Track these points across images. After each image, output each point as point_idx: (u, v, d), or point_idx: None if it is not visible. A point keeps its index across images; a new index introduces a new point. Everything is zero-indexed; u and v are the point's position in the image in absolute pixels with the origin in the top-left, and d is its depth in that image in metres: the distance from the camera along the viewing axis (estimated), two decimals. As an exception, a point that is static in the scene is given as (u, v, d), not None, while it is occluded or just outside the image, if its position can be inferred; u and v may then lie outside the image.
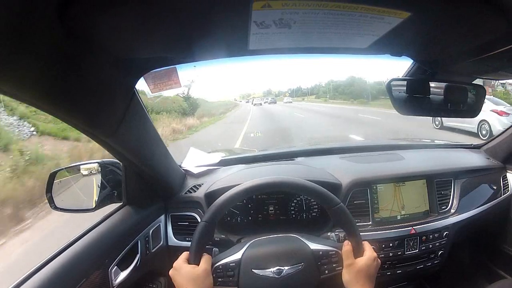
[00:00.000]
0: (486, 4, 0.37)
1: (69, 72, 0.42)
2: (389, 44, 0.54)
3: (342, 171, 1.06)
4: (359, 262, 0.70)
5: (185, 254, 0.71)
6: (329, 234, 0.82)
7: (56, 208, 0.84)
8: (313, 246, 0.74)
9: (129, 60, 0.52)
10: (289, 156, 1.25)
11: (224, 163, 1.18)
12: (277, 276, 0.70)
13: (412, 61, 0.74)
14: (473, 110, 0.80)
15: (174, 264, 0.70)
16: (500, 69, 0.78)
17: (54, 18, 0.32)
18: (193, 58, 0.56)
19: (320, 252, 0.73)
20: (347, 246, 0.72)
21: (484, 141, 1.42)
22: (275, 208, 1.03)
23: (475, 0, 0.37)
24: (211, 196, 0.93)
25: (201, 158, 1.17)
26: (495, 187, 1.22)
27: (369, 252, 0.73)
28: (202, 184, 1.03)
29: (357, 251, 0.72)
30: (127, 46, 0.46)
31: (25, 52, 0.34)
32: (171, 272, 0.70)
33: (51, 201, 0.83)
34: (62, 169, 0.89)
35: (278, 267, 0.71)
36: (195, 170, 1.09)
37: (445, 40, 0.55)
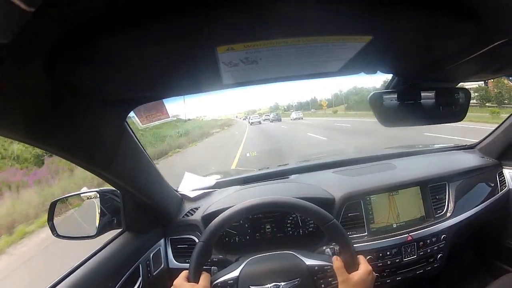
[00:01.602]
0: (451, 12, 0.37)
1: (59, 116, 0.45)
2: (360, 64, 0.55)
3: (335, 185, 1.07)
4: (354, 277, 0.71)
5: (184, 273, 0.73)
6: (324, 248, 0.84)
7: (58, 236, 0.86)
8: (309, 261, 0.75)
9: (116, 100, 0.54)
10: (283, 174, 1.26)
11: (219, 185, 1.20)
12: None
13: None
14: (460, 113, 0.81)
15: (174, 283, 0.72)
16: (481, 70, 0.78)
17: (41, 70, 0.35)
18: (175, 94, 0.58)
19: (316, 267, 0.74)
20: (337, 262, 0.72)
21: (477, 141, 1.42)
22: (271, 226, 1.04)
23: (437, 11, 0.36)
24: (208, 219, 0.95)
25: (197, 182, 1.19)
26: (492, 185, 1.22)
27: (364, 266, 0.73)
28: (199, 207, 1.05)
29: (352, 265, 0.73)
30: (113, 90, 0.49)
31: (12, 97, 0.36)
32: None
33: (53, 229, 0.85)
34: (62, 198, 0.92)
35: (275, 283, 0.72)
36: (191, 194, 1.11)
37: (416, 52, 0.54)
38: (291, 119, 18.04)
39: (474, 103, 11.33)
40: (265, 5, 0.30)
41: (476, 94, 11.36)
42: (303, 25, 0.35)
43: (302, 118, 17.84)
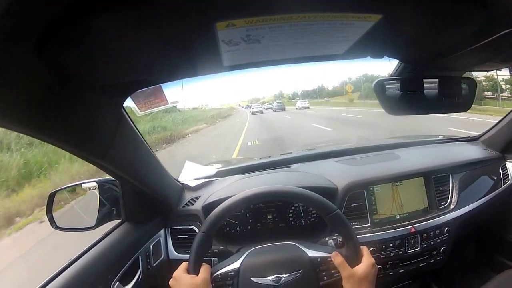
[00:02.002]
0: None
1: (53, 102, 0.43)
2: (366, 47, 0.54)
3: (338, 175, 1.06)
4: (358, 271, 0.70)
5: (184, 264, 0.72)
6: (327, 239, 0.82)
7: (57, 227, 0.85)
8: (311, 253, 0.74)
9: (112, 85, 0.53)
10: (285, 163, 1.25)
11: (220, 174, 1.18)
12: (275, 284, 0.70)
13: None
14: (466, 103, 0.80)
15: (174, 274, 0.71)
16: (488, 60, 0.77)
17: (32, 53, 0.33)
18: (172, 78, 0.56)
19: (318, 259, 0.73)
20: (338, 257, 0.71)
21: (481, 133, 1.41)
22: (273, 216, 1.03)
23: None
24: (208, 208, 0.94)
25: (198, 171, 1.17)
26: (495, 178, 1.21)
27: (367, 258, 0.72)
28: (200, 196, 1.03)
29: (355, 257, 0.72)
30: (108, 73, 0.47)
31: (7, 86, 0.35)
32: (171, 282, 0.71)
33: (52, 221, 0.84)
34: (61, 189, 0.91)
35: (276, 275, 0.71)
36: (192, 184, 1.10)
37: (425, 38, 0.54)
38: (297, 108, 16.34)
39: (507, 96, 10.25)
40: None
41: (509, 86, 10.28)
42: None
43: (308, 108, 16.08)
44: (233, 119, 14.76)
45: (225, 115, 15.79)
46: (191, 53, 0.44)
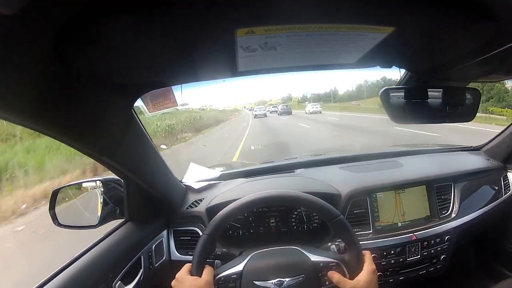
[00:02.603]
0: (472, 11, 0.37)
1: (66, 99, 0.44)
2: (377, 58, 0.55)
3: (341, 181, 1.06)
4: (360, 282, 0.70)
5: (187, 266, 0.72)
6: (329, 244, 0.83)
7: (59, 225, 0.85)
8: (314, 258, 0.74)
9: (125, 85, 0.53)
10: (289, 168, 1.25)
11: (224, 177, 1.19)
12: None
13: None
14: (470, 113, 0.80)
15: (177, 276, 0.71)
16: (492, 71, 0.78)
17: (49, 50, 0.34)
18: (186, 80, 0.57)
19: (321, 264, 0.73)
20: (334, 275, 0.71)
21: (483, 143, 1.42)
22: (276, 220, 1.03)
23: (460, 9, 0.36)
24: (212, 211, 0.94)
25: (202, 173, 1.18)
26: (496, 188, 1.22)
27: (368, 265, 0.72)
28: (203, 199, 1.04)
29: (357, 263, 0.72)
30: (122, 74, 0.48)
31: (22, 82, 0.35)
32: (173, 283, 0.71)
33: (54, 218, 0.84)
34: (64, 186, 0.91)
35: (279, 279, 0.71)
36: (196, 185, 1.10)
37: (433, 50, 0.55)
38: (307, 113, 14.65)
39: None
40: None
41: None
42: (328, 11, 0.34)
43: (320, 112, 14.48)
44: (228, 127, 12.53)
45: (220, 120, 14.10)
46: (207, 57, 0.45)
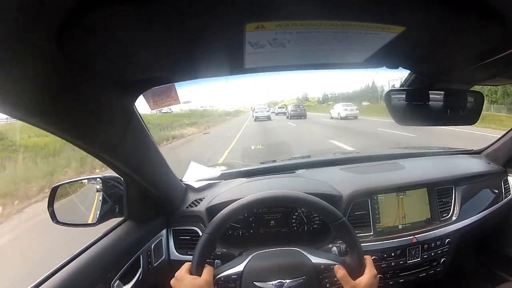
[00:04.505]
0: (482, 14, 0.37)
1: (67, 95, 0.43)
2: (384, 58, 0.54)
3: (343, 182, 1.06)
4: (361, 284, 0.69)
5: (187, 265, 0.71)
6: (330, 246, 0.82)
7: (58, 222, 0.84)
8: (315, 259, 0.74)
9: (128, 81, 0.52)
10: (290, 168, 1.25)
11: (224, 176, 1.18)
12: None
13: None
14: (472, 116, 0.80)
15: (176, 274, 0.70)
16: (497, 75, 0.78)
17: (51, 42, 0.33)
18: (190, 77, 0.56)
19: (322, 266, 0.73)
20: (340, 271, 0.70)
21: (484, 147, 1.42)
22: (276, 221, 1.03)
23: (470, 11, 0.36)
24: (212, 210, 0.93)
25: (202, 172, 1.17)
26: (496, 192, 1.22)
27: (370, 269, 0.72)
28: (203, 198, 1.03)
29: (358, 266, 0.72)
30: (124, 70, 0.47)
31: (24, 76, 0.35)
32: (172, 282, 0.70)
33: (53, 216, 0.83)
34: (63, 183, 0.90)
35: (279, 280, 0.71)
36: (196, 185, 1.09)
37: (441, 51, 0.55)
38: (333, 117, 10.61)
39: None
40: None
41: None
42: (340, 8, 0.33)
43: (356, 117, 10.18)
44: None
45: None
46: (213, 52, 0.44)
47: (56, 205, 0.85)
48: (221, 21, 0.34)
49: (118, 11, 0.30)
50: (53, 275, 0.64)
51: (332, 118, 11.21)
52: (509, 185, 1.26)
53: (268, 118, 11.50)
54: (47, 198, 0.85)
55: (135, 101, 0.61)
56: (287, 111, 12.01)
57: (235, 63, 0.48)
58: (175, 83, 0.63)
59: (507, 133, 1.32)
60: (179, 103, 0.67)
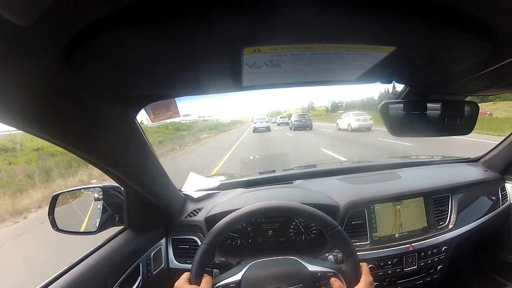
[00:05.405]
0: (471, 30, 0.38)
1: (72, 108, 0.45)
2: (377, 74, 0.56)
3: (340, 192, 1.07)
4: None
5: (186, 275, 0.72)
6: (327, 255, 0.83)
7: (58, 230, 0.85)
8: (312, 267, 0.75)
9: (130, 96, 0.54)
10: (288, 179, 1.26)
11: (223, 187, 1.19)
12: None
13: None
14: (467, 126, 0.81)
15: (176, 284, 0.71)
16: (490, 86, 0.79)
17: (58, 60, 0.34)
18: (190, 93, 0.58)
19: (319, 274, 0.74)
20: (336, 283, 0.71)
21: (481, 154, 1.43)
22: (274, 230, 1.04)
23: (459, 27, 0.37)
24: (211, 220, 0.94)
25: (201, 183, 1.18)
26: (494, 198, 1.23)
27: (366, 277, 0.73)
28: (202, 208, 1.04)
29: (354, 274, 0.73)
30: (128, 86, 0.48)
31: (27, 88, 0.36)
32: None
33: (53, 223, 0.84)
34: (64, 192, 0.91)
35: None
36: (195, 195, 1.10)
37: (433, 66, 0.56)
38: (342, 129, 9.45)
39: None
40: (298, 9, 0.29)
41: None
42: (331, 31, 0.35)
43: (370, 128, 8.97)
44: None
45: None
46: (213, 72, 0.46)
47: (57, 213, 0.86)
48: (221, 45, 0.36)
49: (125, 34, 0.32)
50: (53, 282, 0.65)
51: (340, 129, 10.01)
52: (506, 192, 1.27)
53: (267, 129, 10.83)
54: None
55: (137, 115, 0.63)
56: (290, 122, 11.00)
57: (234, 82, 0.49)
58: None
59: (504, 140, 1.33)
60: (179, 116, 0.68)
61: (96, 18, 0.29)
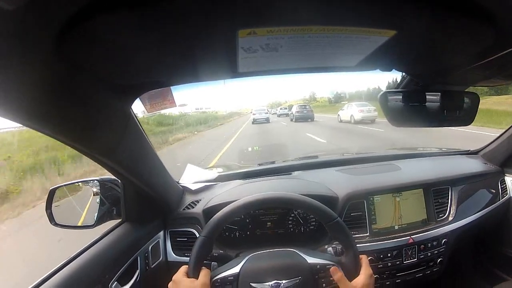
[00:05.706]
0: (473, 16, 0.37)
1: (65, 98, 0.44)
2: (377, 61, 0.55)
3: (339, 184, 1.06)
4: (357, 285, 0.70)
5: (184, 268, 0.72)
6: (326, 247, 0.83)
7: (56, 224, 0.84)
8: (311, 260, 0.74)
9: (124, 85, 0.53)
10: (286, 170, 1.25)
11: (221, 178, 1.18)
12: None
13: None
14: (468, 117, 0.81)
15: (174, 277, 0.71)
16: (492, 76, 0.78)
17: (50, 48, 0.33)
18: (185, 81, 0.57)
19: (318, 266, 0.73)
20: (337, 273, 0.71)
21: (481, 147, 1.43)
22: (273, 222, 1.03)
23: (461, 14, 0.36)
24: (209, 212, 0.94)
25: (199, 174, 1.17)
26: (493, 191, 1.22)
27: (365, 269, 0.72)
28: (200, 200, 1.03)
29: (354, 266, 0.72)
30: (121, 74, 0.47)
31: (20, 77, 0.35)
32: (170, 285, 0.71)
33: (51, 218, 0.84)
34: (61, 185, 0.90)
35: (276, 281, 0.71)
36: (193, 187, 1.10)
37: (434, 54, 0.55)
38: (344, 120, 9.29)
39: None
40: None
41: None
42: (331, 13, 0.34)
43: (374, 120, 8.73)
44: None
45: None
46: (207, 57, 0.45)
47: (55, 207, 0.85)
48: (215, 28, 0.35)
49: (118, 18, 0.31)
50: (51, 277, 0.65)
51: (341, 121, 9.68)
52: (506, 185, 1.27)
53: (267, 120, 10.77)
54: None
55: (132, 104, 0.62)
56: (291, 113, 10.79)
57: (229, 68, 0.48)
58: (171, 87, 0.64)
59: (504, 133, 1.32)
60: (176, 105, 0.67)
61: (86, 1, 0.28)
